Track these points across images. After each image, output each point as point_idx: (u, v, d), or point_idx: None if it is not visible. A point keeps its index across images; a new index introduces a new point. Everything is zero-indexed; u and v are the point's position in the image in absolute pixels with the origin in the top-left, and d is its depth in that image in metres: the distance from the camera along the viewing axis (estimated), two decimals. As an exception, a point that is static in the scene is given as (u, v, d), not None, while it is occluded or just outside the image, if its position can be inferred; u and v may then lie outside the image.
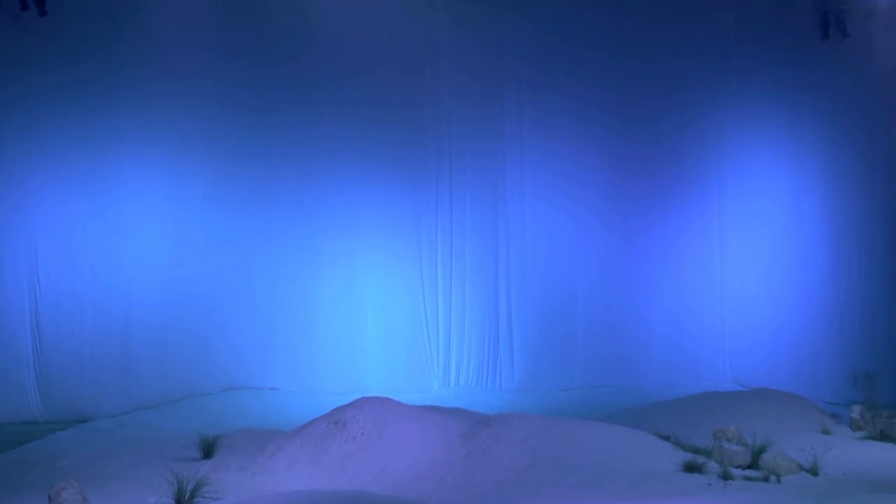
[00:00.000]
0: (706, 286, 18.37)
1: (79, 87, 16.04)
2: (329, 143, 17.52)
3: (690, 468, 10.79)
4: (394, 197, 17.86)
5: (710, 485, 10.32)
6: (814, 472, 10.83)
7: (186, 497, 9.96)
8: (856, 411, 13.49)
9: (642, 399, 16.33)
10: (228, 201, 17.11)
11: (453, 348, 18.05)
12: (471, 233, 18.19)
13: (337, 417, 11.90)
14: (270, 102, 17.27)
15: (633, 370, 17.99)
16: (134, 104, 16.35)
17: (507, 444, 11.45)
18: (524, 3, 18.33)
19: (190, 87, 16.80)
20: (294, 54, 17.48)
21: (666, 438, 12.22)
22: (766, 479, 10.56)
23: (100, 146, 16.22)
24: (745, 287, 18.27)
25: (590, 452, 11.24)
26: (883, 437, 12.89)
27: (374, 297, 17.72)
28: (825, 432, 13.07)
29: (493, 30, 18.31)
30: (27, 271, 15.83)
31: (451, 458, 11.36)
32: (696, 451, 11.48)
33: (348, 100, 17.63)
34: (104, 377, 15.94)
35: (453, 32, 18.16)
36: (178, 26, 16.80)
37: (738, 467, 10.88)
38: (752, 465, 10.94)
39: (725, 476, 10.53)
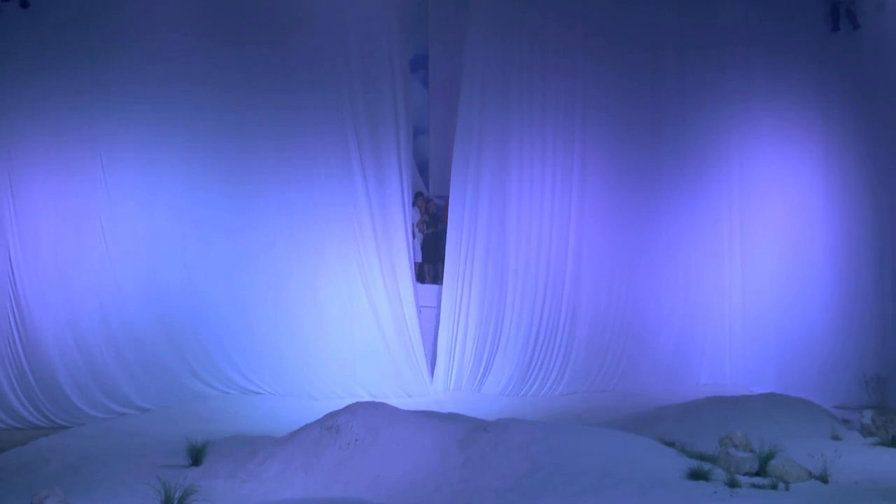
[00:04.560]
0: (714, 287, 18.09)
1: (54, 81, 15.97)
2: (317, 139, 17.30)
3: (696, 475, 10.55)
4: (387, 195, 17.60)
5: (716, 492, 10.07)
6: (823, 479, 10.60)
7: (174, 505, 9.76)
8: (867, 417, 13.27)
9: (646, 404, 16.08)
10: (209, 201, 16.93)
11: (451, 351, 17.75)
12: (468, 232, 17.96)
13: (330, 423, 11.69)
14: (251, 98, 17.10)
15: (636, 374, 17.73)
16: (109, 100, 16.27)
17: (507, 450, 11.23)
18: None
19: (171, 82, 16.69)
20: (282, 48, 17.31)
21: (671, 445, 11.99)
22: (774, 487, 10.33)
23: (74, 143, 16.13)
24: (753, 288, 17.99)
25: (592, 459, 11.01)
26: (895, 443, 12.61)
27: (366, 297, 17.43)
28: (835, 438, 12.84)
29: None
30: (3, 272, 15.71)
31: (448, 466, 11.14)
32: (702, 457, 11.23)
33: (334, 92, 17.38)
34: (88, 382, 15.82)
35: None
36: (163, 22, 16.70)
37: (745, 474, 10.65)
38: (760, 473, 10.71)
39: (732, 483, 10.29)
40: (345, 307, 17.35)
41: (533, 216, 17.92)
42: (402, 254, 17.69)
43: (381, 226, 17.60)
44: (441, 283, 19.65)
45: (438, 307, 18.33)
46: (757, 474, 10.70)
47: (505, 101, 17.94)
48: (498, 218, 17.93)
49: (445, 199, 20.92)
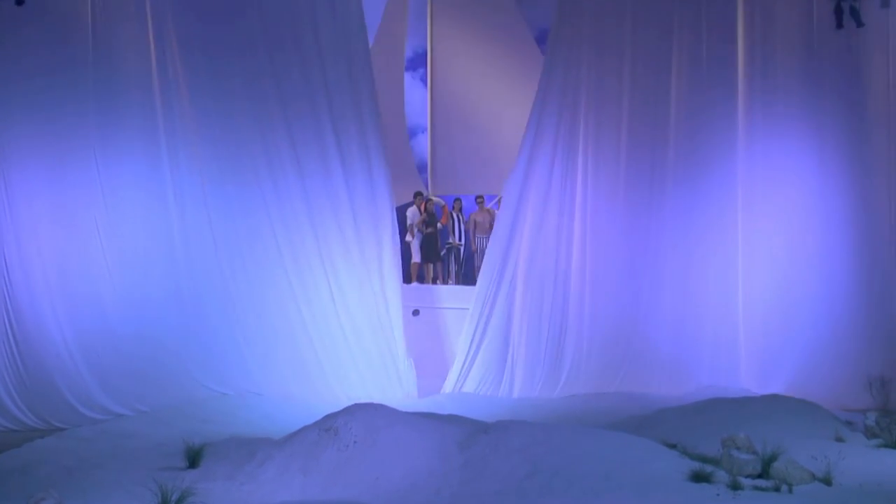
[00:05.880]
0: (716, 288, 17.83)
1: (48, 76, 15.99)
2: (305, 133, 17.13)
3: (698, 478, 10.46)
4: (376, 191, 17.33)
5: (718, 495, 10.00)
6: (827, 481, 10.49)
7: (171, 508, 9.69)
8: (871, 418, 13.11)
9: (648, 406, 15.92)
10: (202, 201, 16.80)
11: (474, 352, 17.57)
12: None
13: (328, 425, 11.63)
14: (241, 93, 16.97)
15: (638, 376, 17.53)
16: (100, 100, 16.29)
17: (507, 452, 11.14)
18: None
19: (162, 81, 16.64)
20: (274, 41, 17.20)
21: (672, 447, 11.88)
22: (777, 489, 10.23)
23: (68, 139, 16.11)
24: (756, 289, 17.76)
25: (593, 461, 10.92)
26: (899, 445, 12.51)
27: (364, 298, 17.21)
28: (839, 440, 12.67)
29: None
30: None
31: (447, 468, 11.05)
32: (704, 459, 11.14)
33: (306, 85, 17.21)
34: (85, 382, 15.72)
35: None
36: (157, 18, 16.66)
37: (747, 476, 10.55)
38: (763, 475, 10.61)
39: (735, 486, 10.21)
40: (327, 308, 17.05)
41: (537, 218, 17.77)
42: (388, 254, 17.32)
43: (367, 224, 17.25)
44: (441, 284, 19.61)
45: (442, 308, 18.26)
46: (759, 476, 10.60)
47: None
48: (521, 217, 17.79)
49: (444, 198, 20.92)
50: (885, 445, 12.45)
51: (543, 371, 17.53)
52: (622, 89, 17.81)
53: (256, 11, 17.08)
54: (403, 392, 17.00)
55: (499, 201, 19.67)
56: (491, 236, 18.26)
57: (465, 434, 11.69)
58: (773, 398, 14.90)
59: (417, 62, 22.32)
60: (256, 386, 16.61)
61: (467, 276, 20.05)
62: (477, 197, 20.12)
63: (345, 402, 13.60)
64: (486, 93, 21.09)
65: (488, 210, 19.84)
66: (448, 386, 17.55)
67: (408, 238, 19.54)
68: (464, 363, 17.55)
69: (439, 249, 19.74)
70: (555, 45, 17.92)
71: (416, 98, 22.32)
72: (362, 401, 13.34)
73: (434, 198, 20.70)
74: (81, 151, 16.20)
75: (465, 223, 19.97)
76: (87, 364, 15.79)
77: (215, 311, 16.70)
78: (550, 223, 17.75)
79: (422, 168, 21.80)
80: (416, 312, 18.56)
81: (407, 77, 22.27)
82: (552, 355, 17.57)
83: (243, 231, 16.94)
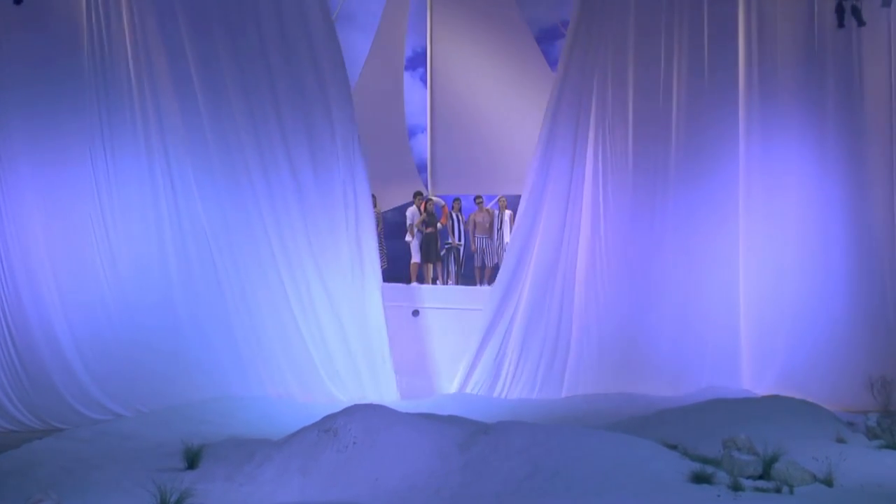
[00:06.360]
0: (717, 289, 17.80)
1: (44, 74, 16.06)
2: (295, 123, 17.04)
3: (699, 479, 10.45)
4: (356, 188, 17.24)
5: (719, 496, 9.98)
6: (828, 482, 10.48)
7: (170, 508, 9.65)
8: (872, 419, 13.08)
9: (648, 407, 15.87)
10: (198, 201, 16.71)
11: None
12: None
13: (328, 425, 11.58)
14: (233, 91, 16.87)
15: (639, 376, 17.49)
16: (98, 97, 16.33)
17: (507, 453, 11.11)
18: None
19: (157, 83, 16.65)
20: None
21: (673, 448, 11.85)
22: (778, 490, 10.22)
23: (61, 140, 16.12)
24: (757, 290, 17.71)
25: (593, 462, 10.90)
26: (900, 445, 12.46)
27: (344, 297, 17.09)
28: (840, 441, 12.65)
29: None
30: None
31: (447, 469, 11.01)
32: (705, 460, 11.13)
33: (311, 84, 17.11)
34: (83, 382, 15.71)
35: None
36: (151, 14, 16.66)
37: (748, 478, 10.54)
38: (764, 476, 10.60)
39: (735, 487, 10.19)
40: (318, 306, 16.97)
41: (549, 222, 17.73)
42: (371, 255, 17.23)
43: (343, 222, 17.14)
44: (440, 284, 19.57)
45: (441, 308, 18.20)
46: (760, 477, 10.59)
47: None
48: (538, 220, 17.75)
49: (444, 198, 20.88)
50: (887, 446, 12.41)
51: (544, 372, 17.52)
52: (626, 90, 17.78)
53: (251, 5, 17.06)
54: (381, 392, 16.85)
55: (499, 201, 19.65)
56: (510, 239, 18.26)
57: (465, 435, 11.66)
58: (774, 399, 14.89)
59: (417, 62, 22.30)
60: (254, 386, 16.57)
61: (467, 277, 20.03)
62: (476, 197, 20.08)
63: (341, 402, 13.56)
64: (486, 93, 21.04)
65: (488, 210, 19.81)
66: (453, 386, 17.55)
67: (407, 238, 19.54)
68: (472, 363, 17.54)
69: (439, 249, 19.70)
70: (570, 50, 17.88)
71: (415, 98, 22.30)
72: (356, 400, 13.28)
73: (434, 198, 20.66)
74: (77, 148, 16.21)
75: (465, 223, 19.94)
76: (84, 364, 15.78)
77: (212, 312, 16.66)
78: (557, 226, 17.74)
79: (421, 168, 21.77)
80: (415, 313, 18.54)
81: (407, 77, 22.23)
82: (553, 356, 17.55)
83: (234, 229, 16.85)
